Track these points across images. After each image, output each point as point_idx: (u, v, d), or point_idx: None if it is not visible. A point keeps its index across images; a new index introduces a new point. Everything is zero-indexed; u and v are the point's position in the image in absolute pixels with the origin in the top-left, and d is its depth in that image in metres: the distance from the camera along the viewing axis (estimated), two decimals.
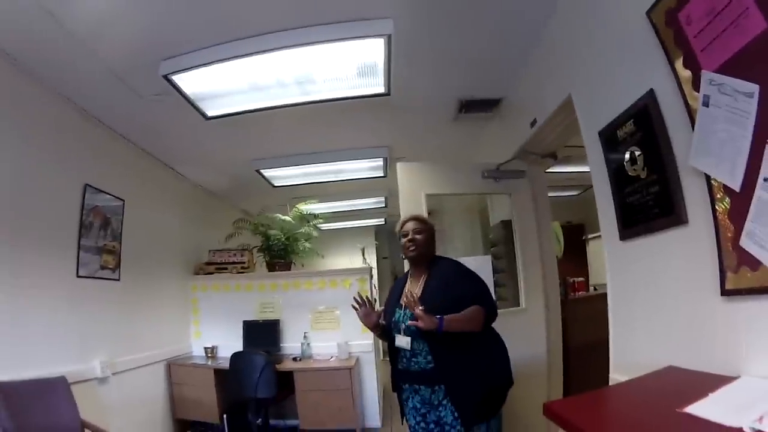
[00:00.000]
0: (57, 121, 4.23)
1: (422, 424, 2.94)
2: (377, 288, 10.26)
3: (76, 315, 4.31)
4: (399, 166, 4.26)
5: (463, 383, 2.76)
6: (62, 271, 4.22)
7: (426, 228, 3.19)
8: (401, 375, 3.05)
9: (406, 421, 3.10)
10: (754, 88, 1.62)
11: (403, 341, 2.92)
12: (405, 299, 2.89)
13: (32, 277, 3.83)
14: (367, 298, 3.23)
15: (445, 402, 2.81)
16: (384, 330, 3.18)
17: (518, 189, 4.67)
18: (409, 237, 3.11)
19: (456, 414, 2.75)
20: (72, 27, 3.28)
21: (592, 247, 8.46)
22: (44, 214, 4.02)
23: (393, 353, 3.09)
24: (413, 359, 2.91)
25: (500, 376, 2.92)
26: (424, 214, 4.12)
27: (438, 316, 2.63)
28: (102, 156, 4.90)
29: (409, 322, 2.76)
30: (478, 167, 4.60)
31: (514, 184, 4.64)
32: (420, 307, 2.65)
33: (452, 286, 2.92)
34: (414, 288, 3.06)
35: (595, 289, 6.69)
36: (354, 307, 3.21)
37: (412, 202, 4.27)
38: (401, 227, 3.24)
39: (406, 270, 3.39)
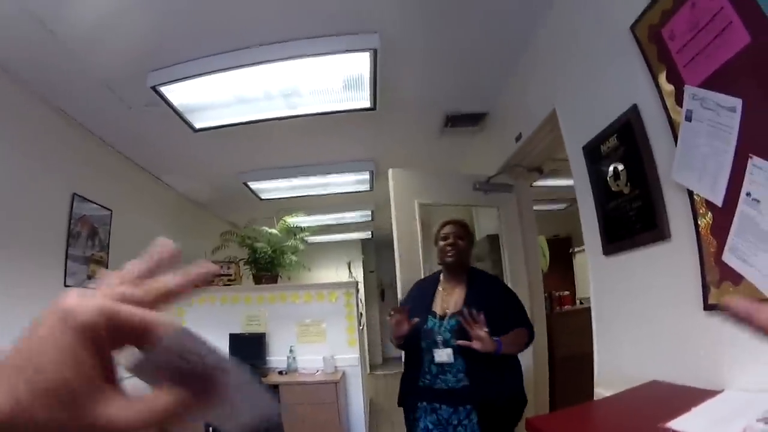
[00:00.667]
0: (45, 129, 4.21)
1: None
2: (363, 302, 10.24)
3: None
4: (391, 172, 4.15)
5: (493, 403, 2.63)
6: (50, 280, 4.18)
7: (468, 234, 3.08)
8: (420, 392, 2.82)
9: None
10: (737, 102, 1.63)
11: (444, 355, 2.69)
12: (460, 314, 2.65)
13: (19, 286, 3.78)
14: (401, 306, 2.93)
15: (466, 422, 2.65)
16: (406, 338, 2.86)
17: (505, 203, 4.66)
18: (451, 241, 2.98)
19: None
20: (62, 35, 3.27)
21: (579, 261, 8.48)
22: (31, 223, 3.99)
23: (413, 365, 2.89)
24: (440, 376, 2.72)
25: (521, 396, 2.81)
26: (417, 223, 4.07)
27: (496, 339, 2.51)
28: (90, 165, 4.89)
29: (460, 342, 2.58)
30: (469, 179, 4.58)
31: (502, 198, 4.64)
32: (485, 329, 2.50)
33: (496, 303, 2.79)
34: (450, 298, 2.91)
35: (581, 302, 6.70)
36: (390, 314, 2.87)
37: (403, 211, 4.14)
38: (440, 229, 3.10)
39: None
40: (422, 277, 3.61)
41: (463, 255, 2.99)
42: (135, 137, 5.10)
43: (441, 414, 2.72)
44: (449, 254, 2.97)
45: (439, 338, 2.74)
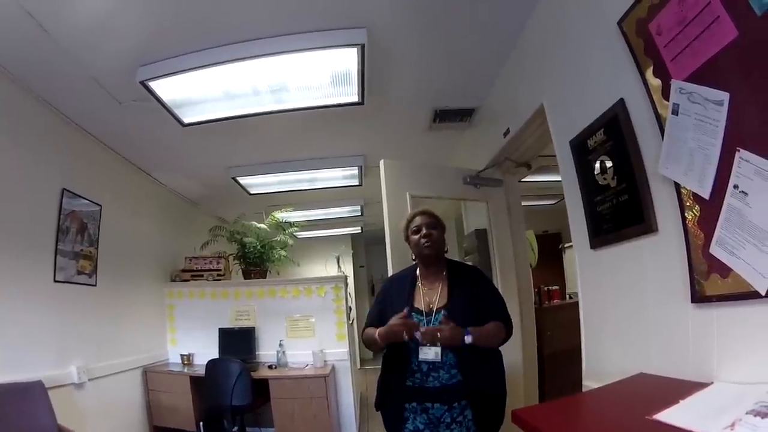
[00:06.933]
0: (35, 125, 4.19)
1: None
2: (353, 297, 10.23)
3: (53, 320, 4.26)
4: (383, 162, 4.10)
5: (487, 397, 2.57)
6: (39, 275, 4.17)
7: (439, 223, 2.90)
8: (409, 392, 2.64)
9: None
10: (724, 96, 1.63)
11: (431, 353, 2.54)
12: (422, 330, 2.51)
13: (8, 281, 3.77)
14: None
15: (460, 419, 2.55)
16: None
17: (494, 197, 4.67)
18: (425, 232, 2.80)
19: (473, 430, 2.55)
20: (53, 31, 3.26)
21: (568, 256, 8.49)
22: (21, 218, 3.98)
23: (397, 366, 2.70)
24: (432, 374, 2.58)
25: (505, 387, 2.71)
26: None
27: (467, 330, 2.45)
28: (80, 161, 4.87)
29: (424, 329, 2.49)
30: (460, 172, 4.57)
31: (491, 192, 4.64)
32: (446, 328, 2.44)
33: (480, 295, 2.71)
34: (432, 293, 2.76)
35: (570, 297, 6.73)
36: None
37: (395, 204, 4.05)
38: (409, 221, 2.94)
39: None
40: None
41: (439, 245, 2.86)
42: (124, 133, 5.08)
43: (433, 413, 2.59)
44: (426, 246, 2.81)
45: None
